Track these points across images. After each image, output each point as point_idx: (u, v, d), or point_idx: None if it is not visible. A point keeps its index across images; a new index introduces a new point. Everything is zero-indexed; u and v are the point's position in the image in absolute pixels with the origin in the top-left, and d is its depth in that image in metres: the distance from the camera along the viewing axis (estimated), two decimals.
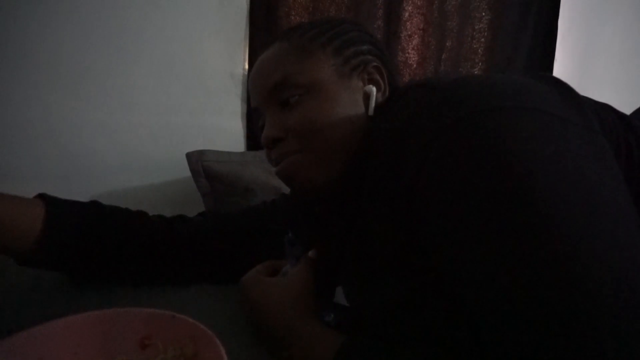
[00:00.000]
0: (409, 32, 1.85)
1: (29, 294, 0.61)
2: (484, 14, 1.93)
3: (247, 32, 1.60)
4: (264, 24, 1.60)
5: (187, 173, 1.40)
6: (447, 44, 1.90)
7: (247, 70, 1.62)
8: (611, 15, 2.04)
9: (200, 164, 1.40)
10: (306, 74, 0.56)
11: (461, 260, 0.38)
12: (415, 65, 1.88)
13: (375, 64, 0.59)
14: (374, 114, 0.56)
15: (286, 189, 0.79)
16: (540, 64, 1.94)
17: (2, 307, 0.57)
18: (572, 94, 0.46)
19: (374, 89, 0.57)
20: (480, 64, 1.94)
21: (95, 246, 0.63)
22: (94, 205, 0.66)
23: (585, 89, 0.47)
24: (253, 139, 1.65)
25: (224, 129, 1.62)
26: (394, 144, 0.46)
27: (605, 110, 0.51)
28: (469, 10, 1.91)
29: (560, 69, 1.98)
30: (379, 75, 0.59)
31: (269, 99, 0.58)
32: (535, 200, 0.35)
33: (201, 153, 1.42)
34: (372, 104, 0.57)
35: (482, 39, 1.93)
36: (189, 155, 1.40)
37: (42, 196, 0.62)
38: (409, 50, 1.87)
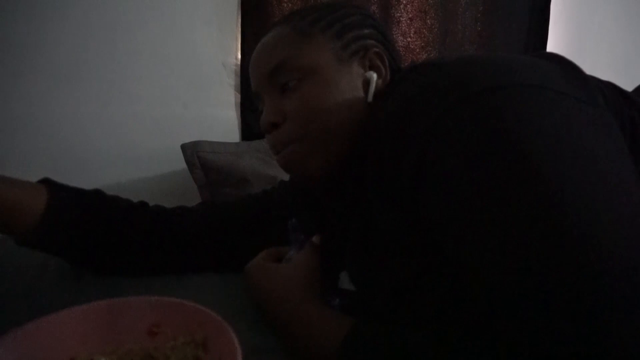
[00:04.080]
0: (410, 16, 1.79)
1: (34, 285, 0.61)
2: None
3: (239, 21, 1.59)
4: (255, 12, 1.58)
5: (183, 165, 1.39)
6: (451, 26, 1.84)
7: (239, 59, 1.60)
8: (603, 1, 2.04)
9: (196, 155, 1.39)
10: (305, 58, 0.55)
11: (469, 241, 0.38)
12: (418, 50, 1.83)
13: (376, 49, 0.58)
14: (374, 100, 0.56)
15: (285, 177, 0.79)
16: (533, 47, 1.93)
17: (8, 298, 0.56)
18: (576, 70, 0.45)
19: (374, 75, 0.56)
20: (485, 46, 1.91)
21: (96, 233, 0.63)
22: (96, 193, 0.66)
23: None
24: (248, 129, 1.64)
25: (219, 119, 1.61)
26: (397, 126, 0.45)
27: (608, 87, 0.51)
28: None
29: (553, 51, 1.97)
30: (380, 61, 0.58)
31: (268, 83, 0.57)
32: (543, 178, 0.35)
33: (196, 144, 1.40)
34: (372, 90, 0.56)
35: (486, 22, 1.88)
36: (184, 147, 1.39)
37: (45, 181, 0.62)
38: (411, 35, 1.81)
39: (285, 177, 0.78)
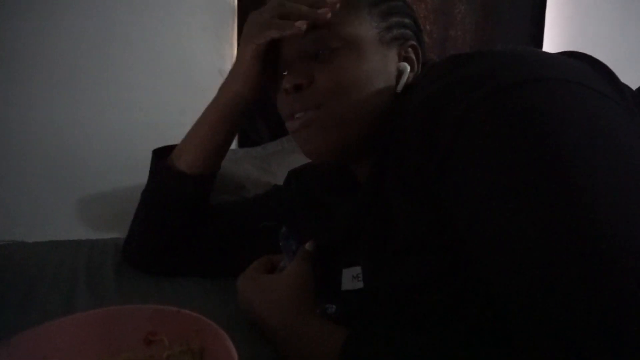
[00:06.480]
0: None
1: (30, 294, 0.60)
2: None
3: (235, 28, 1.59)
4: None
5: None
6: (451, 32, 1.82)
7: None
8: (598, 6, 2.06)
9: None
10: (349, 27, 0.53)
11: (493, 235, 0.37)
12: None
13: (413, 42, 0.57)
14: (402, 92, 0.54)
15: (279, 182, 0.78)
16: None
17: (2, 307, 0.56)
18: (608, 71, 0.45)
19: (408, 67, 0.55)
20: None
21: None
22: None
23: None
24: (244, 136, 1.64)
25: None
26: (427, 115, 0.43)
27: (631, 90, 0.50)
28: None
29: None
30: (414, 55, 0.57)
31: (303, 47, 0.54)
32: (574, 172, 0.34)
33: None
34: (403, 81, 0.54)
35: (486, 28, 1.85)
36: None
37: None
38: None
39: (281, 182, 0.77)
